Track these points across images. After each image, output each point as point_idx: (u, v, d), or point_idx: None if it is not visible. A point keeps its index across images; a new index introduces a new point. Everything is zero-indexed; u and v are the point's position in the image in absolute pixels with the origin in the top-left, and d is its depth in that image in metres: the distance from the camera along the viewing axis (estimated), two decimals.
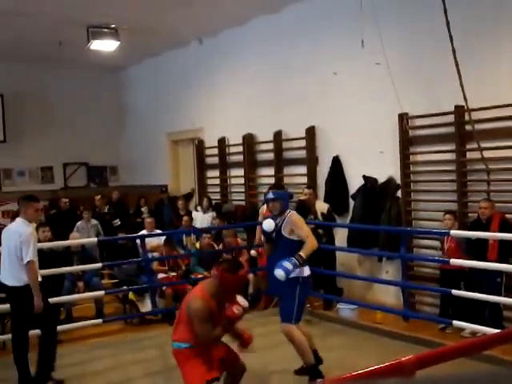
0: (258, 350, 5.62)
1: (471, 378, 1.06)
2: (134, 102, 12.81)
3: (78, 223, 9.12)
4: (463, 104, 6.03)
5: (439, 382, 1.08)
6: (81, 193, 12.05)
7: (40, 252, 6.37)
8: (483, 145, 6.00)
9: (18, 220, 5.02)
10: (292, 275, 4.73)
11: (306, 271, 4.94)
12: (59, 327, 6.39)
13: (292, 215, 5.04)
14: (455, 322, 5.65)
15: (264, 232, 5.16)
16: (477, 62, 6.18)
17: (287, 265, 4.61)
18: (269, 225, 5.01)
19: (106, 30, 9.06)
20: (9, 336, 6.20)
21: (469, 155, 6.39)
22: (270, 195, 5.16)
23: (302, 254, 4.71)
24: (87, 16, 8.55)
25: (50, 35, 9.31)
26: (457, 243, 6.03)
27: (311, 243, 4.81)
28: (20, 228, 4.92)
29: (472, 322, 5.53)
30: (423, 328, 6.09)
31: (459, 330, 5.85)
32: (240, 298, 4.11)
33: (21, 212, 5.04)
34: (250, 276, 7.76)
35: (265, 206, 8.07)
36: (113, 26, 9.03)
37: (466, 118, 6.18)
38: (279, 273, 4.62)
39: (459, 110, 6.25)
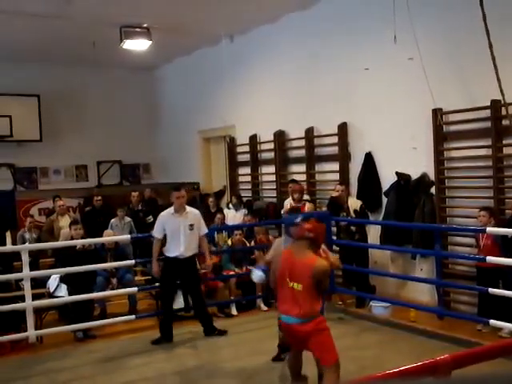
0: None
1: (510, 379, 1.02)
2: (167, 101, 12.93)
3: (112, 220, 9.24)
4: (500, 98, 5.88)
5: (476, 382, 1.04)
6: (114, 190, 12.22)
7: (72, 250, 6.55)
8: None
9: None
10: None
11: None
12: (93, 323, 6.52)
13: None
14: (492, 322, 5.52)
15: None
16: None
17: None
18: (256, 277, 5.17)
19: (138, 29, 9.17)
20: (46, 331, 6.35)
21: (506, 151, 6.23)
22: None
23: None
24: (120, 16, 8.66)
25: (84, 36, 9.47)
26: (493, 240, 5.89)
27: None
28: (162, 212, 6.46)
29: (510, 322, 5.39)
30: (458, 327, 5.98)
31: (496, 330, 5.72)
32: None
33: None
34: None
35: (288, 200, 8.03)
36: (145, 25, 9.13)
37: (503, 112, 6.03)
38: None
39: (496, 105, 6.09)
